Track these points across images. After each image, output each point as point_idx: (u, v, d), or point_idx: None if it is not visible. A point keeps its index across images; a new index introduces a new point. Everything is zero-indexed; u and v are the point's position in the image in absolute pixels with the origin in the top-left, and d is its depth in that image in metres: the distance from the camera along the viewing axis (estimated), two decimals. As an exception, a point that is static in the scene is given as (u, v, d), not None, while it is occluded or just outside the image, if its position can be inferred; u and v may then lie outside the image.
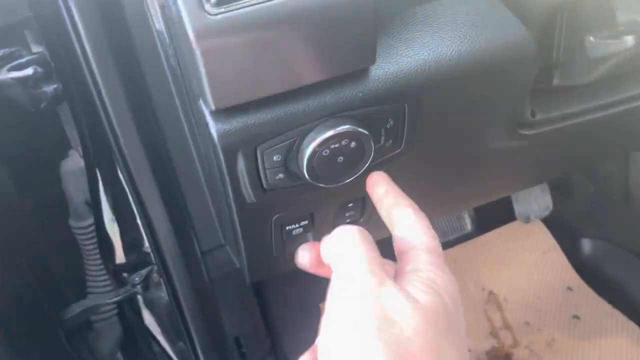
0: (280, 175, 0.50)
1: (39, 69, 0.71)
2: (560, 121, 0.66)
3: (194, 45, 0.39)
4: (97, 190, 0.81)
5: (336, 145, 0.48)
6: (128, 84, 0.65)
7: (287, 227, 0.64)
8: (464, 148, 0.64)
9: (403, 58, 0.50)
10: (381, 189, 0.48)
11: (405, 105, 0.51)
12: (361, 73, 0.48)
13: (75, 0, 0.58)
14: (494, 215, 1.40)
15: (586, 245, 1.36)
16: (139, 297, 0.91)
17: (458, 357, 0.33)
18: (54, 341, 0.77)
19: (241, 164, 0.48)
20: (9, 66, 0.70)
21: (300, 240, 0.68)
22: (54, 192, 0.85)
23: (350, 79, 0.48)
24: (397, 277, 0.37)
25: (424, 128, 0.56)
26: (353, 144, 0.49)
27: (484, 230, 1.40)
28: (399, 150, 0.55)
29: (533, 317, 1.26)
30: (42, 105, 0.73)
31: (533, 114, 0.63)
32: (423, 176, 0.67)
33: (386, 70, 0.49)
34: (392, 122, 0.51)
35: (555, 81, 0.62)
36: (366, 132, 0.49)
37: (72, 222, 0.87)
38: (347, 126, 0.48)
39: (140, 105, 0.67)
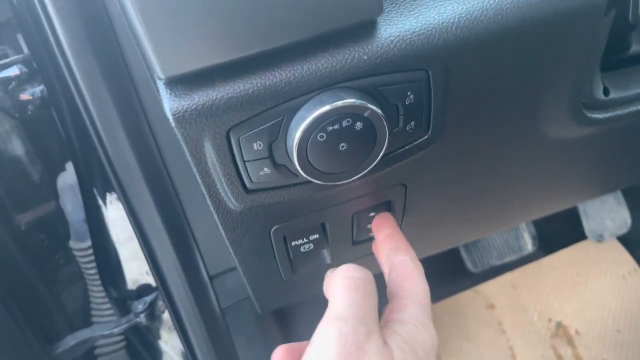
0: (266, 170, 0.39)
1: (24, 69, 0.64)
2: (641, 102, 0.51)
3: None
4: (94, 207, 0.72)
5: (335, 127, 0.36)
6: (113, 85, 0.56)
7: (293, 243, 0.52)
8: (513, 137, 0.50)
9: (423, 9, 0.38)
10: (385, 232, 0.50)
11: (429, 72, 0.39)
12: (366, 29, 0.36)
13: None
14: (559, 233, 1.28)
15: (673, 268, 1.19)
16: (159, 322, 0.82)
17: None
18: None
19: (211, 155, 0.37)
20: (-11, 67, 0.63)
21: (312, 259, 0.56)
22: (52, 209, 0.77)
23: (351, 37, 0.36)
24: (383, 321, 0.40)
25: (458, 108, 0.43)
26: (359, 126, 0.37)
27: (547, 251, 1.29)
28: (425, 137, 0.42)
29: (612, 354, 1.14)
30: (29, 112, 0.66)
31: (606, 92, 0.51)
32: (460, 175, 0.53)
33: (400, 26, 0.37)
34: (412, 96, 0.39)
35: (634, 48, 0.49)
36: (376, 108, 0.36)
37: (72, 244, 0.79)
38: (349, 99, 0.36)
39: (129, 109, 0.58)
